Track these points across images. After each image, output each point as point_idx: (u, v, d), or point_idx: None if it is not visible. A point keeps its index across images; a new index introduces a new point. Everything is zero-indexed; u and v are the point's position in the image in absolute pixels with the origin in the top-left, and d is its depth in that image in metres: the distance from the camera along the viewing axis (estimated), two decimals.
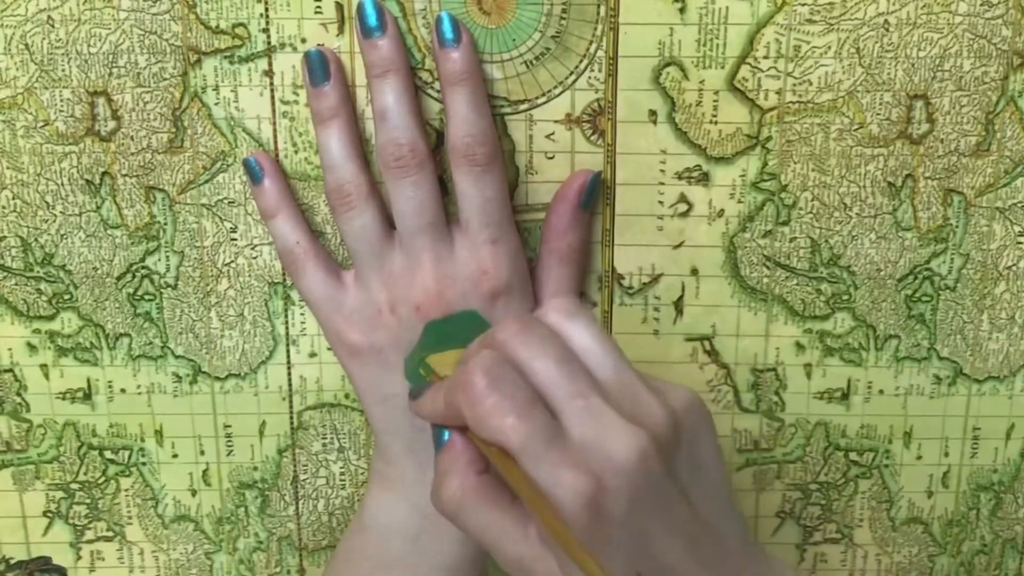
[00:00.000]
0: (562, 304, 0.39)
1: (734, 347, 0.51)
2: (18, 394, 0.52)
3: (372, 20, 0.45)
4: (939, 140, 0.48)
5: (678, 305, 0.50)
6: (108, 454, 0.53)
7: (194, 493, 0.54)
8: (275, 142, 0.48)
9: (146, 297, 0.50)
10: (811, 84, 0.47)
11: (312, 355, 0.51)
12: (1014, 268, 0.50)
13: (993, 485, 0.53)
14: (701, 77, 0.47)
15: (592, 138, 0.48)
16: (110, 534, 0.54)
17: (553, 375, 0.37)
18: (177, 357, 0.51)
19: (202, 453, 0.53)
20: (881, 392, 0.52)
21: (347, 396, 0.52)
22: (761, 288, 0.50)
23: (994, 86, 0.47)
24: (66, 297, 0.50)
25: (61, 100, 0.47)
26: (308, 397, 0.52)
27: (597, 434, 0.35)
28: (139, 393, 0.52)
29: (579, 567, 0.35)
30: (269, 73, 0.47)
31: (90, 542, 0.54)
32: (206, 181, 0.49)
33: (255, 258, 0.50)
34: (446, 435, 0.39)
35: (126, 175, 0.49)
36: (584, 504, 0.34)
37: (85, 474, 0.53)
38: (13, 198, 0.49)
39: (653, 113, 0.48)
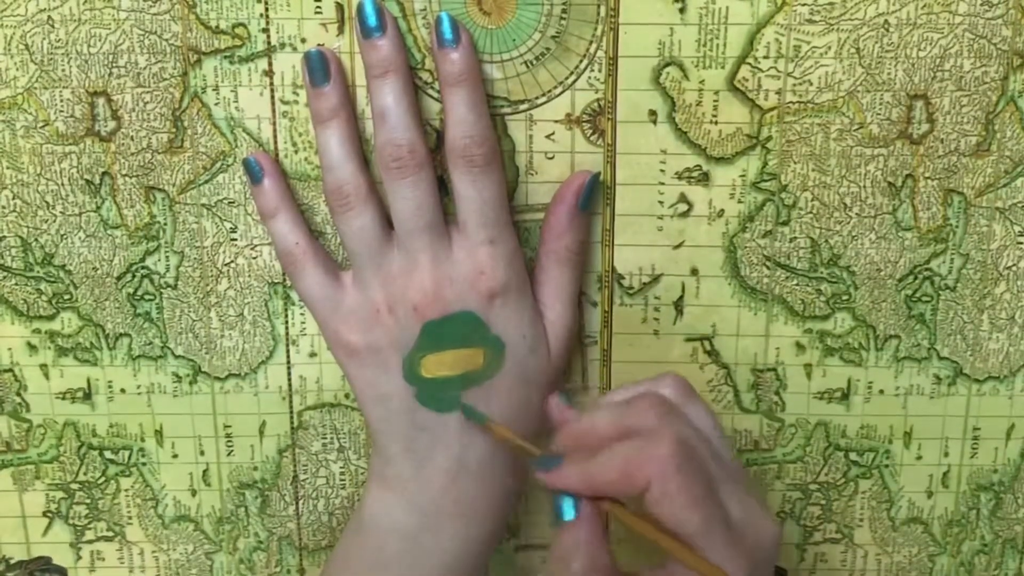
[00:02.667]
0: (680, 384, 0.44)
1: (734, 347, 0.51)
2: (18, 394, 0.52)
3: (372, 20, 0.45)
4: (939, 140, 0.48)
5: (678, 305, 0.50)
6: (108, 454, 0.53)
7: (194, 493, 0.54)
8: (275, 142, 0.48)
9: (146, 297, 0.50)
10: (811, 84, 0.47)
11: (312, 355, 0.51)
12: (1014, 268, 0.50)
13: (993, 485, 0.53)
14: (701, 77, 0.47)
15: (592, 138, 0.48)
16: (110, 534, 0.54)
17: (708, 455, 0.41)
18: (177, 357, 0.51)
19: (202, 453, 0.53)
20: (881, 392, 0.52)
21: (347, 396, 0.52)
22: (761, 288, 0.50)
23: (994, 86, 0.47)
24: (66, 297, 0.50)
25: (61, 100, 0.47)
26: (308, 397, 0.52)
27: (748, 519, 0.41)
28: (139, 393, 0.52)
29: None
30: (269, 73, 0.47)
31: (90, 542, 0.54)
32: (206, 181, 0.49)
33: (255, 258, 0.50)
34: (569, 508, 0.40)
35: (126, 175, 0.49)
36: None
37: (85, 474, 0.53)
38: (13, 198, 0.49)
39: (653, 113, 0.48)
